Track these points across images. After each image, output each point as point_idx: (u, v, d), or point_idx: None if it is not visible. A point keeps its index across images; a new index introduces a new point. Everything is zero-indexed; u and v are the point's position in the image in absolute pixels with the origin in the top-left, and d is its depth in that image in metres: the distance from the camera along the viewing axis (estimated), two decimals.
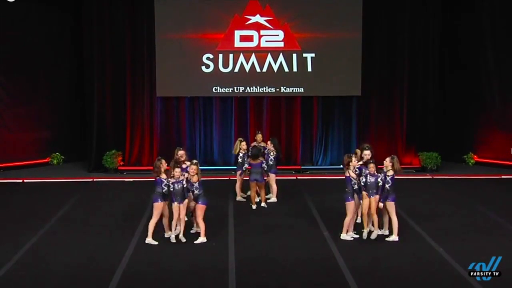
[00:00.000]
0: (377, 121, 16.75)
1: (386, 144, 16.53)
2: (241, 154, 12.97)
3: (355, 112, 16.73)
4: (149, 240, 10.12)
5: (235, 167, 13.58)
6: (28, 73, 16.36)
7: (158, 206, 10.14)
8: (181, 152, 11.15)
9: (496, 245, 9.94)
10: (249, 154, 12.77)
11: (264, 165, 12.62)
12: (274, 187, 13.00)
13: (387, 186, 10.22)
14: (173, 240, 10.26)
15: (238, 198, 13.15)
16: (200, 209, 10.25)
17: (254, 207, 12.53)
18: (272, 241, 10.30)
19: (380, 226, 10.55)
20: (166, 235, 10.40)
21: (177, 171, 10.17)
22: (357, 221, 10.79)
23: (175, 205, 10.19)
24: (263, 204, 12.64)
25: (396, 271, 8.91)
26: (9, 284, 8.48)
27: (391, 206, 10.25)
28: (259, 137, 13.42)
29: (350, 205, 10.34)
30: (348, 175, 10.38)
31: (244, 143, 13.08)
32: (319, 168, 16.65)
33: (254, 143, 13.40)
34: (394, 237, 10.28)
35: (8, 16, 15.81)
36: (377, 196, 10.29)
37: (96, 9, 16.08)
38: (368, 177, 10.34)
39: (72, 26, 16.90)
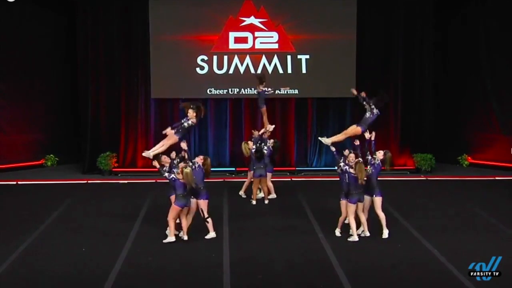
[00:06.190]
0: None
1: (381, 146, 16.42)
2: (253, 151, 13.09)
3: (349, 113, 16.73)
4: (182, 236, 10.27)
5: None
6: (22, 75, 16.33)
7: (175, 208, 10.14)
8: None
9: (490, 245, 9.94)
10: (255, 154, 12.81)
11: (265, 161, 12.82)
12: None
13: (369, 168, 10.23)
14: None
15: (241, 192, 13.32)
16: (174, 210, 10.15)
17: (254, 202, 12.71)
18: (267, 242, 10.29)
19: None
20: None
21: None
22: (345, 222, 10.81)
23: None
24: (266, 201, 12.85)
25: (391, 273, 8.92)
26: (3, 286, 8.45)
27: (377, 201, 10.31)
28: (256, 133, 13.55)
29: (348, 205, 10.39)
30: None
31: (250, 142, 13.16)
32: (314, 169, 16.68)
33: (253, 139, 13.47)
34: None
35: (3, 18, 15.78)
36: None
37: (90, 11, 16.08)
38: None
39: (66, 28, 16.90)
